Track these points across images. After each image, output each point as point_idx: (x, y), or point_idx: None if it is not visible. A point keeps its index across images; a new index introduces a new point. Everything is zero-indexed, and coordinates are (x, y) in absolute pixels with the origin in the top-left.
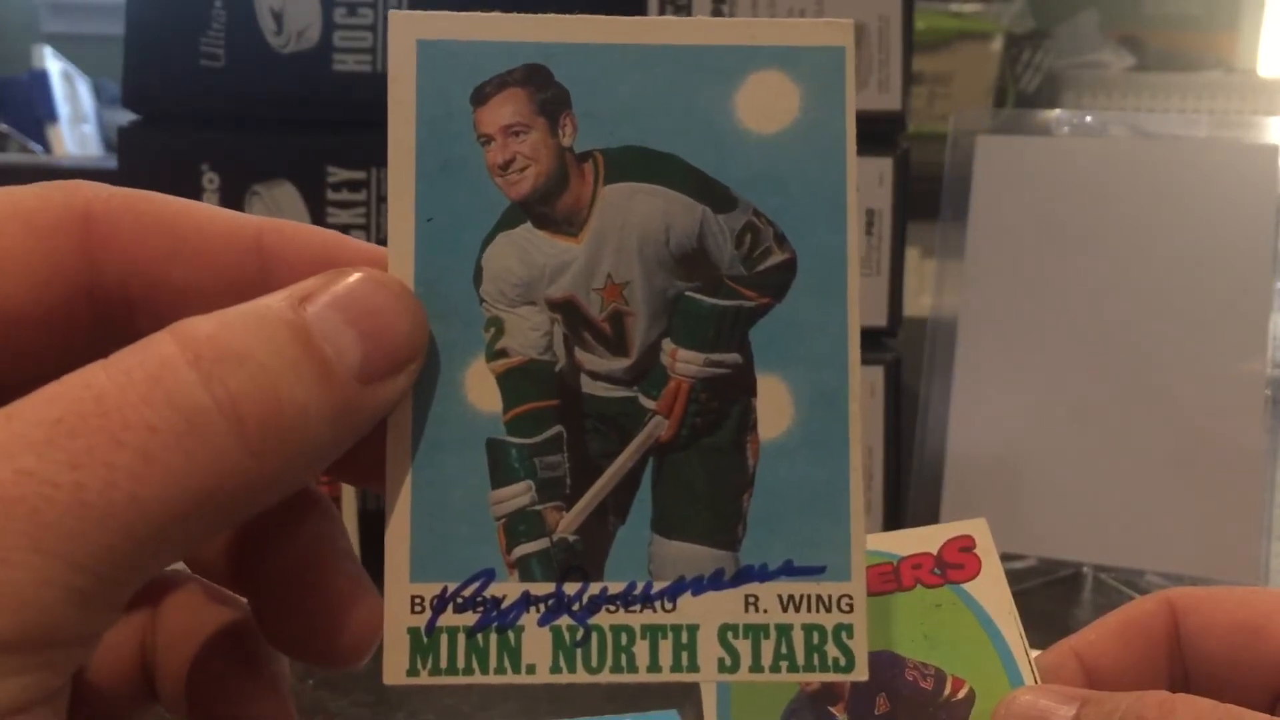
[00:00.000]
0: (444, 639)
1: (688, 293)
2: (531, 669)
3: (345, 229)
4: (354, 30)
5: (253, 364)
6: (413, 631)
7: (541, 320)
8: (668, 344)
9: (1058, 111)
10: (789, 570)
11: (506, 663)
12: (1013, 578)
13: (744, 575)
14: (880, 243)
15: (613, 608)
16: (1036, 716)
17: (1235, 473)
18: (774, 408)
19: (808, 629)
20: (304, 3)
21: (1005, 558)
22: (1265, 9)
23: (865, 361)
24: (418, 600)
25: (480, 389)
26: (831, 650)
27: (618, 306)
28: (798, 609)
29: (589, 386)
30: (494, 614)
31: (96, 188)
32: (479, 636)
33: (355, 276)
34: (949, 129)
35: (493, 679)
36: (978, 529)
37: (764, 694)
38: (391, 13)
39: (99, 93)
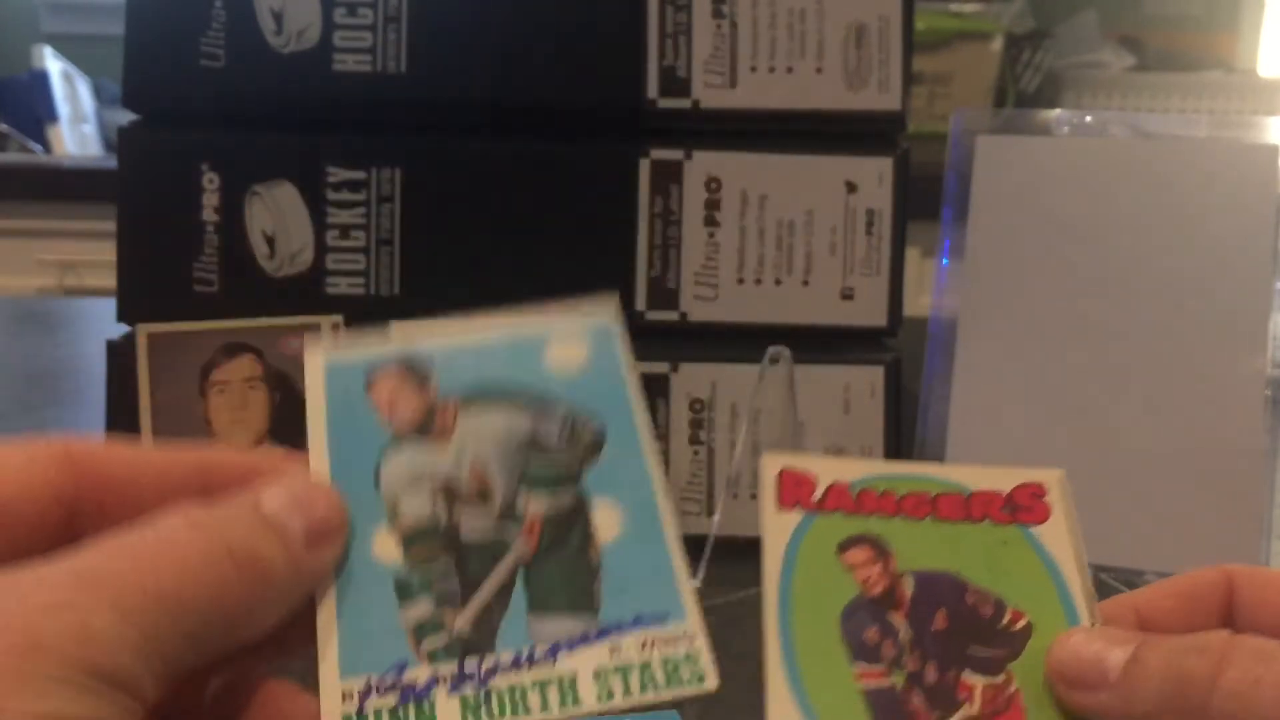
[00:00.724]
0: (372, 717)
1: (532, 464)
2: None
3: (345, 229)
4: (354, 30)
5: (237, 528)
6: (346, 717)
7: (426, 499)
8: (522, 495)
9: (1058, 111)
10: (639, 621)
11: None
12: None
13: (605, 631)
14: (880, 243)
15: (506, 671)
16: (1089, 658)
17: (1236, 472)
18: (608, 520)
19: (664, 660)
20: (304, 3)
21: None
22: (1265, 9)
23: (865, 361)
24: (348, 693)
25: (385, 547)
26: (685, 672)
27: (482, 479)
28: (653, 648)
29: (467, 535)
30: (410, 692)
31: (76, 447)
32: (400, 710)
33: (291, 475)
34: (949, 129)
35: None
36: (1052, 480)
37: (823, 593)
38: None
39: (99, 92)
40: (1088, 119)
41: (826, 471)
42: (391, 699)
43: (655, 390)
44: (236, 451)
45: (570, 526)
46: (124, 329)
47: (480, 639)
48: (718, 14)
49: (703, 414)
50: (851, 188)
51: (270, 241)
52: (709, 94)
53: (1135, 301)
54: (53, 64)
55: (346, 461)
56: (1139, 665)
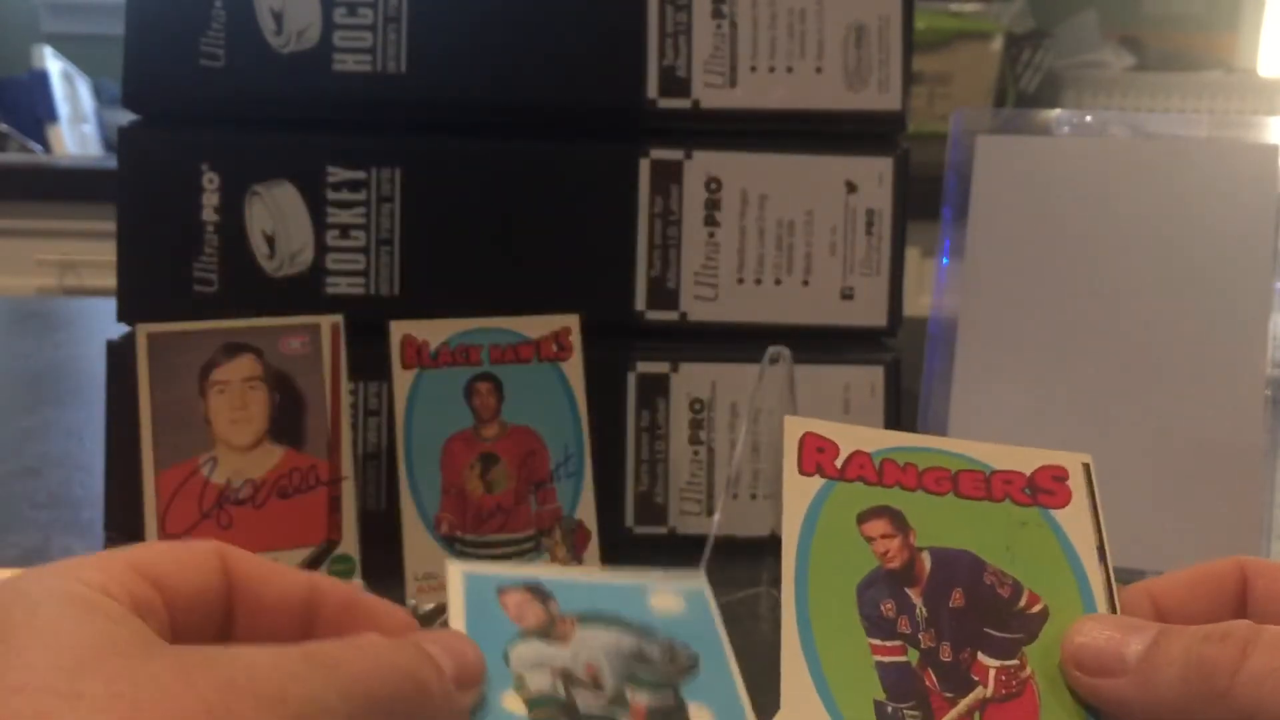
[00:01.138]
0: None
1: (638, 671)
2: None
3: (345, 229)
4: (354, 30)
5: (412, 655)
6: None
7: (547, 677)
8: (629, 690)
9: (1058, 111)
10: None
11: None
12: None
13: None
14: (880, 243)
15: None
16: (1105, 646)
17: (1235, 472)
18: (702, 717)
19: None
20: (304, 3)
21: None
22: (1265, 9)
23: (865, 361)
24: None
25: (513, 704)
26: None
27: (595, 674)
28: None
29: (584, 708)
30: None
31: (224, 547)
32: None
33: (451, 632)
34: (949, 129)
35: None
36: (1075, 464)
37: (841, 562)
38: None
39: (99, 92)
40: (1088, 119)
41: (849, 439)
42: None
43: (655, 390)
44: (335, 581)
45: (671, 716)
46: (124, 329)
47: None
48: (718, 14)
49: (703, 414)
50: (851, 188)
51: (270, 241)
52: (709, 94)
53: (1135, 301)
54: (53, 64)
55: (480, 640)
56: (1160, 652)
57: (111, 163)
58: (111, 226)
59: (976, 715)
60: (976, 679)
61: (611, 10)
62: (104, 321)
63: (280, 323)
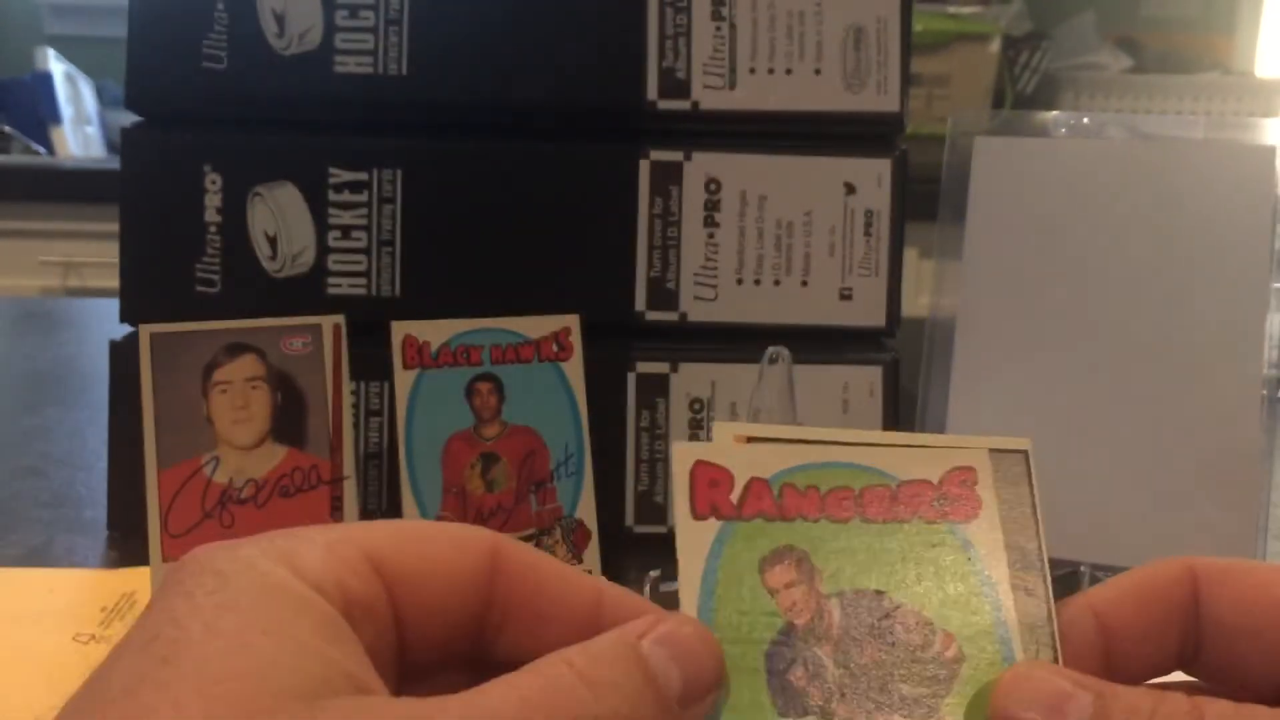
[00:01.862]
0: None
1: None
2: None
3: (346, 230)
4: (356, 32)
5: (619, 691)
6: None
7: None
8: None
9: (1055, 113)
10: None
11: None
12: None
13: None
14: (879, 243)
15: None
16: (1056, 694)
17: (1233, 473)
18: None
19: None
20: (306, 5)
21: None
22: (1262, 11)
23: (864, 361)
24: None
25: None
26: None
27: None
28: None
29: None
30: None
31: (501, 535)
32: None
33: (676, 619)
34: (947, 130)
35: None
36: (979, 460)
37: (747, 628)
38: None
39: (102, 94)
40: (1085, 120)
41: (744, 464)
42: None
43: (655, 390)
44: (630, 593)
45: None
46: (127, 329)
47: None
48: (717, 16)
49: (702, 414)
50: (850, 189)
51: (272, 242)
52: (708, 95)
53: (1133, 302)
54: (56, 66)
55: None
56: None
57: (114, 164)
58: (114, 228)
59: None
60: None
61: (611, 12)
62: (107, 322)
63: (282, 323)
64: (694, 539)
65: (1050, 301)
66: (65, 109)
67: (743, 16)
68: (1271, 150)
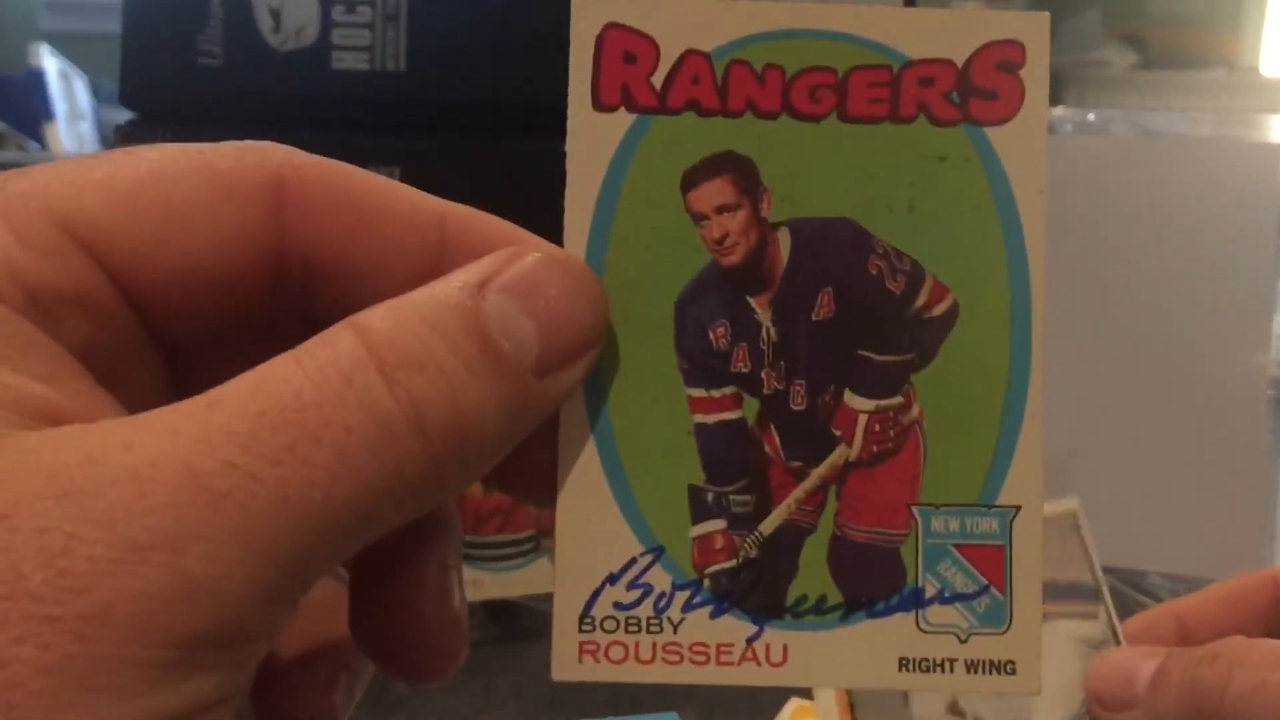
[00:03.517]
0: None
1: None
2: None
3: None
4: (352, 28)
5: (432, 368)
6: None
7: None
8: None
9: (1061, 110)
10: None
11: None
12: None
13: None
14: None
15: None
16: (1118, 679)
17: (1239, 473)
18: None
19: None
20: (302, 1)
21: None
22: (1268, 7)
23: None
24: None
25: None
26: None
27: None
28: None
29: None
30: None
31: (289, 153)
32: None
33: (533, 257)
34: None
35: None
36: (1029, 32)
37: (653, 264)
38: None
39: (96, 91)
40: (1091, 117)
41: (677, 29)
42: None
43: None
44: (487, 216)
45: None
46: None
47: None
48: None
49: None
50: None
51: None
52: None
53: (1138, 300)
54: (50, 62)
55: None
56: (1163, 678)
57: None
58: None
59: (831, 490)
60: (838, 433)
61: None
62: None
63: None
64: (591, 138)
65: (1055, 300)
66: (59, 105)
67: None
68: (1277, 148)
